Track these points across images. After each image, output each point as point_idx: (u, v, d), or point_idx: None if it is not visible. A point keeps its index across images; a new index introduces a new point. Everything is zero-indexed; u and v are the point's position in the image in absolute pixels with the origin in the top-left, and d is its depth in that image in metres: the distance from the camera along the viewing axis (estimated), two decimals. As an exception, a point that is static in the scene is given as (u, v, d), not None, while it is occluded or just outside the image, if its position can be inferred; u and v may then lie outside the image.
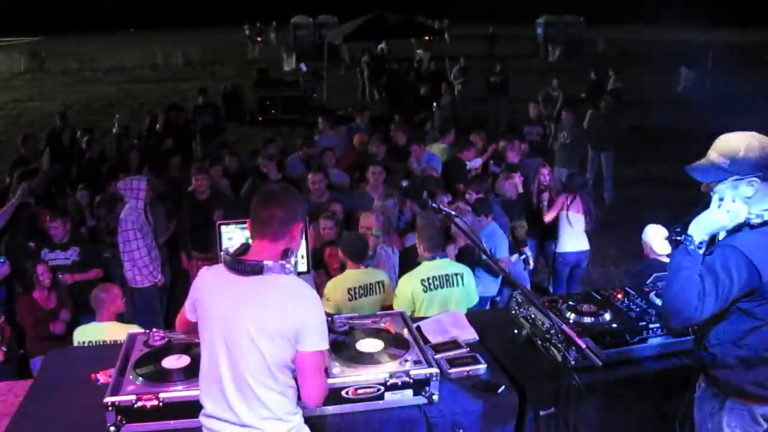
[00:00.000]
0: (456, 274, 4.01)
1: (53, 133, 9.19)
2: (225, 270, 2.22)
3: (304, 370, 2.17)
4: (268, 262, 2.14)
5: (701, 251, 2.38)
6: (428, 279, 3.94)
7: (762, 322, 2.40)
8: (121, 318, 4.28)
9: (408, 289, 3.94)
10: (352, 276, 4.15)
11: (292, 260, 2.22)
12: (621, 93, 13.09)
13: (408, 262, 4.71)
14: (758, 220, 2.37)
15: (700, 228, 2.39)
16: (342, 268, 4.45)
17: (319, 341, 2.17)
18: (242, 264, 2.16)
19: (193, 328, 2.36)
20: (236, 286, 2.17)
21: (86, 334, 4.04)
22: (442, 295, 3.94)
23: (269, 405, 2.17)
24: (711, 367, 2.53)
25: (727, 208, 2.35)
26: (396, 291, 4.01)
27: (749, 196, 2.37)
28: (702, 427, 2.63)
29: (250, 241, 2.27)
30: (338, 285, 4.13)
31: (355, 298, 4.09)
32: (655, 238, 4.31)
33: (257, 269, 2.14)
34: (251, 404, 2.17)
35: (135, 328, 3.49)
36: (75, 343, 4.02)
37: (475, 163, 7.41)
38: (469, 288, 4.06)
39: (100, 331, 4.03)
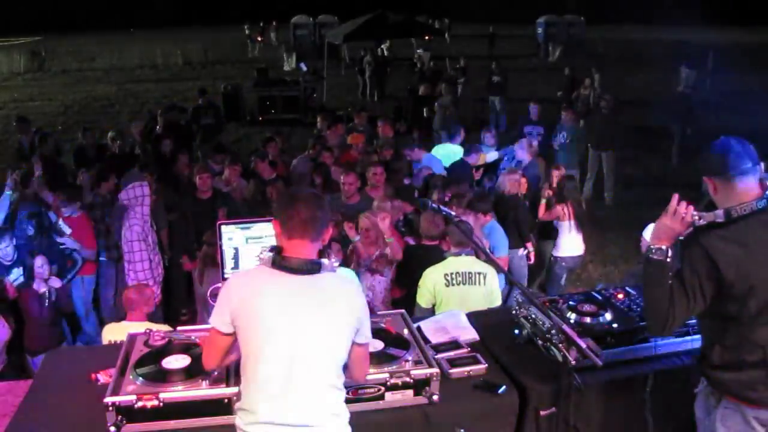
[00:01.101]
0: (479, 273, 4.02)
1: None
2: (272, 271, 2.21)
3: (360, 360, 2.34)
4: (324, 261, 2.22)
5: (667, 259, 2.39)
6: (451, 274, 4.00)
7: (735, 322, 2.40)
8: (152, 318, 4.27)
9: (431, 281, 4.02)
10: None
11: (332, 259, 2.33)
12: (597, 93, 13.14)
13: (411, 261, 4.69)
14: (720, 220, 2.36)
15: (655, 235, 2.43)
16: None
17: (369, 333, 2.34)
18: (299, 263, 2.19)
19: (229, 350, 2.30)
20: (294, 286, 2.19)
21: (116, 332, 3.97)
22: (461, 292, 3.96)
23: (331, 401, 2.24)
24: (707, 366, 2.54)
25: (679, 214, 2.37)
26: (420, 282, 4.07)
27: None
28: (702, 423, 2.65)
29: (275, 241, 2.30)
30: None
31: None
32: None
33: (316, 268, 2.20)
34: (316, 403, 2.20)
35: (165, 329, 3.41)
36: (104, 341, 3.98)
37: (472, 159, 7.40)
38: (491, 288, 4.03)
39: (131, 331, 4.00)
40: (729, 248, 2.32)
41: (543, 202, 6.17)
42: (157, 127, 9.65)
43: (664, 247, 2.41)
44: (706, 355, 2.52)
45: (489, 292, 4.03)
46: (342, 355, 2.25)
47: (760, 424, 2.44)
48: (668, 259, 2.39)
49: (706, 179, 2.47)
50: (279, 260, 2.20)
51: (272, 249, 2.27)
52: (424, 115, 12.37)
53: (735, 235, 2.34)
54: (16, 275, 5.17)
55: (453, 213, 3.24)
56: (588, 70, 14.90)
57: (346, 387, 2.41)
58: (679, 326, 2.45)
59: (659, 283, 2.38)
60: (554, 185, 6.35)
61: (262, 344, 2.19)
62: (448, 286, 3.99)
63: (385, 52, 20.26)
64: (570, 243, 6.02)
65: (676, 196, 2.40)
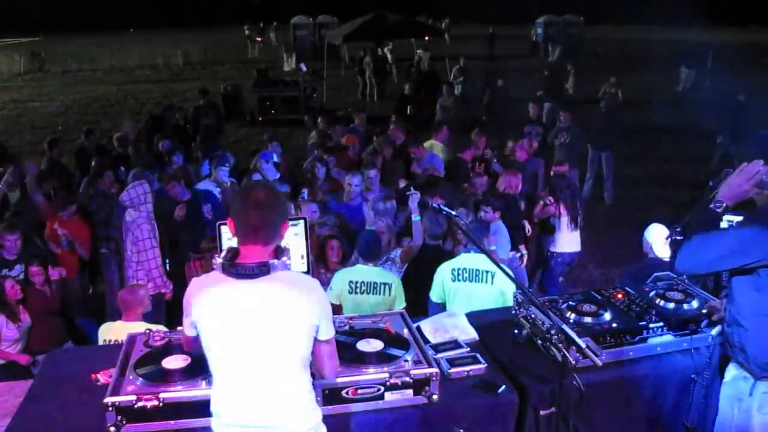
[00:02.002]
0: (487, 272, 4.04)
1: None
2: (224, 277, 2.17)
3: (325, 356, 2.32)
4: (273, 261, 2.16)
5: (722, 216, 2.56)
6: (458, 269, 4.07)
7: None
8: (148, 318, 4.27)
9: (440, 276, 4.12)
10: (358, 271, 4.22)
11: (289, 256, 2.28)
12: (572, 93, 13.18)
13: (415, 263, 4.69)
14: None
15: (722, 191, 2.58)
16: (342, 263, 4.55)
17: (333, 328, 2.30)
18: (246, 268, 2.15)
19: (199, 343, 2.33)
20: (245, 291, 2.15)
21: (111, 332, 4.00)
22: (467, 289, 4.01)
23: (295, 401, 2.22)
24: (742, 347, 2.54)
25: (750, 173, 2.49)
26: (435, 276, 4.16)
27: None
28: (726, 415, 2.63)
29: (234, 242, 2.25)
30: (343, 276, 4.23)
31: (356, 293, 4.14)
32: (658, 238, 4.31)
33: (264, 270, 2.15)
34: (278, 406, 2.19)
35: (161, 329, 3.41)
36: (100, 341, 3.99)
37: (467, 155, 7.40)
38: (501, 289, 4.00)
39: (126, 331, 4.00)
40: None
41: (540, 203, 6.18)
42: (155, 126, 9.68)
43: (725, 205, 2.55)
44: (747, 330, 2.54)
45: (499, 293, 4.01)
46: (302, 354, 2.21)
47: None
48: (722, 216, 2.54)
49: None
50: (227, 266, 2.17)
51: (228, 251, 2.23)
52: (408, 113, 12.37)
53: None
54: (17, 272, 5.17)
55: (453, 212, 3.24)
56: (590, 71, 14.89)
57: (345, 386, 2.42)
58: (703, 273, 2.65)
59: (709, 228, 2.51)
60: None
61: (216, 350, 2.21)
62: (453, 281, 4.06)
63: (388, 54, 20.22)
64: (566, 239, 6.03)
65: (757, 162, 2.49)
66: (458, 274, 4.07)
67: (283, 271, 2.18)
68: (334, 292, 4.17)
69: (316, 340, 2.24)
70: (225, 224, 3.65)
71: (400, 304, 4.18)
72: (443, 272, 4.13)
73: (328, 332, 2.26)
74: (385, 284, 4.18)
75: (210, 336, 2.22)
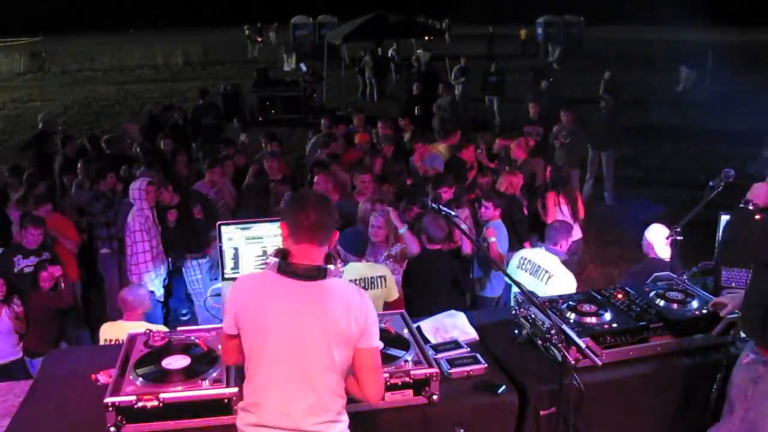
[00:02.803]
0: (546, 272, 4.27)
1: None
2: (277, 276, 2.20)
3: (368, 366, 2.25)
4: (330, 267, 2.20)
5: (755, 215, 2.80)
6: (524, 259, 4.42)
7: None
8: (149, 318, 4.27)
9: (513, 260, 4.52)
10: (353, 269, 4.20)
11: (339, 264, 2.29)
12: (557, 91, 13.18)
13: (414, 267, 4.68)
14: None
15: (754, 191, 2.93)
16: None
17: (378, 337, 2.28)
18: (304, 269, 2.19)
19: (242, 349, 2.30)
20: (300, 292, 2.18)
21: (112, 332, 4.00)
22: (525, 280, 4.18)
23: (333, 408, 2.22)
24: (763, 328, 2.57)
25: None
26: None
27: None
28: (738, 398, 2.65)
29: (282, 244, 2.29)
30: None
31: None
32: (658, 239, 4.32)
33: (322, 274, 2.18)
34: (315, 409, 2.19)
35: (162, 329, 3.43)
36: (101, 341, 3.99)
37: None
38: (552, 292, 3.97)
39: (127, 331, 4.00)
40: None
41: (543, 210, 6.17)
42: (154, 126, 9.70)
43: (758, 205, 2.77)
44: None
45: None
46: (344, 361, 2.22)
47: None
48: (755, 215, 2.72)
49: None
50: (284, 266, 2.20)
51: (278, 253, 2.25)
52: (415, 113, 12.37)
53: None
54: (31, 262, 5.25)
55: (453, 213, 3.24)
56: (591, 71, 14.90)
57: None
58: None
59: (743, 226, 2.72)
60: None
61: (262, 347, 2.20)
62: (517, 267, 4.40)
63: (392, 54, 20.15)
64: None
65: None
66: (522, 264, 4.31)
67: (336, 278, 2.23)
68: None
69: (358, 349, 2.22)
70: (225, 225, 3.68)
71: (394, 295, 4.22)
72: (515, 257, 4.51)
73: (372, 341, 2.24)
74: (379, 277, 4.19)
75: (256, 331, 2.21)
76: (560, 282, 4.11)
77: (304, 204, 2.24)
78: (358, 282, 4.12)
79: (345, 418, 2.29)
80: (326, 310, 2.17)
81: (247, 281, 2.29)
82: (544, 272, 4.11)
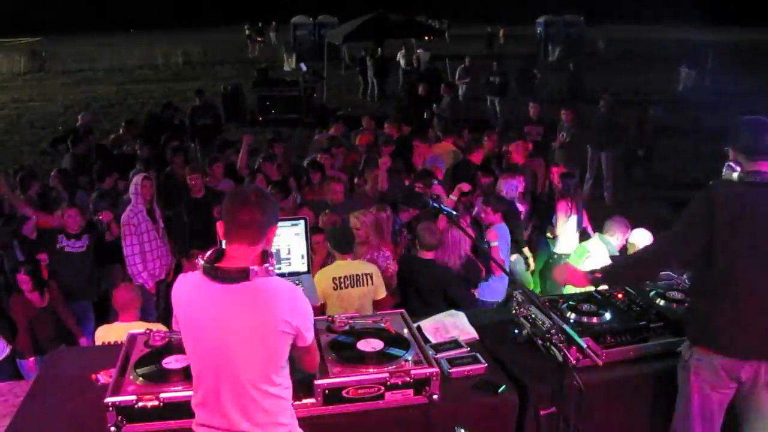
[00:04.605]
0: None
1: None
2: (203, 279, 2.14)
3: (306, 358, 2.34)
4: (254, 267, 2.11)
5: None
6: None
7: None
8: (145, 318, 4.25)
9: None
10: (339, 266, 4.18)
11: (273, 262, 2.22)
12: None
13: (404, 274, 4.66)
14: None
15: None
16: (329, 256, 4.49)
17: (312, 334, 2.25)
18: (226, 272, 2.12)
19: None
20: (223, 296, 2.11)
21: (110, 334, 3.97)
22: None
23: (268, 409, 2.18)
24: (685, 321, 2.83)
25: None
26: None
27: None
28: (680, 386, 2.84)
29: (223, 244, 2.22)
30: (324, 274, 4.17)
31: (341, 288, 4.11)
32: (642, 243, 4.38)
33: (244, 276, 2.10)
34: (248, 411, 2.16)
35: (162, 329, 3.39)
36: (98, 343, 3.96)
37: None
38: None
39: (124, 332, 3.99)
40: None
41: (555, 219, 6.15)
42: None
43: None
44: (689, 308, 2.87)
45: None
46: (277, 361, 2.16)
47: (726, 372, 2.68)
48: None
49: None
50: (208, 269, 2.14)
51: (212, 253, 2.20)
52: (425, 116, 12.34)
53: None
54: (83, 243, 5.50)
55: (455, 212, 3.24)
56: (590, 70, 14.89)
57: (345, 386, 2.39)
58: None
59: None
60: (555, 182, 6.35)
61: (193, 350, 2.20)
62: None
63: (401, 59, 20.05)
64: (569, 238, 5.98)
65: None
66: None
67: (265, 278, 2.13)
68: (317, 293, 4.07)
69: (295, 346, 2.20)
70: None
71: (382, 294, 4.20)
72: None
73: (307, 339, 2.21)
74: (366, 275, 4.17)
75: (186, 336, 2.21)
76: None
77: (235, 203, 2.17)
78: (341, 280, 4.11)
79: (288, 418, 2.25)
80: (252, 313, 2.10)
81: (183, 282, 2.23)
82: None
